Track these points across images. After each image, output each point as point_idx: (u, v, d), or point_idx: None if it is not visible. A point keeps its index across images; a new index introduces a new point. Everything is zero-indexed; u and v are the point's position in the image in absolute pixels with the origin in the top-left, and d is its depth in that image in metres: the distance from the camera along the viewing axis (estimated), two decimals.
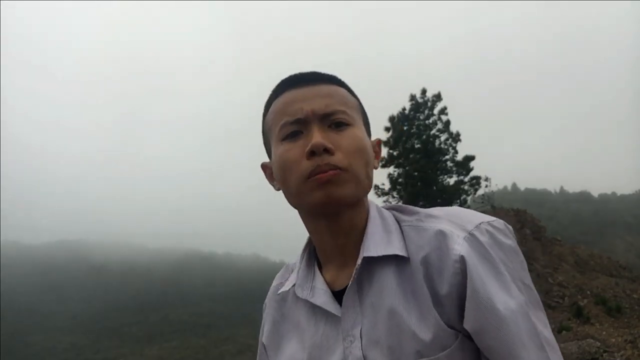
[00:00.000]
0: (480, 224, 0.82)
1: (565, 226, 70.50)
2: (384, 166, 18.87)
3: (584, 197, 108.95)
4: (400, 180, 18.65)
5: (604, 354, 8.97)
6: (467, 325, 0.77)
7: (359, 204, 0.89)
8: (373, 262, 0.85)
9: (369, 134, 0.94)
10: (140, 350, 63.17)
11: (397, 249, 0.84)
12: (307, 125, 0.85)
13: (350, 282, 0.86)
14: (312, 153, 0.82)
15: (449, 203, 18.31)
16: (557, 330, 10.74)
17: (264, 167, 0.98)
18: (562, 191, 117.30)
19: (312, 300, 0.90)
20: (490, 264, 0.79)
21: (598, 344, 9.31)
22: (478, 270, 0.78)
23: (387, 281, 0.84)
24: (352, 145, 0.85)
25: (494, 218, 0.84)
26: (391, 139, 19.01)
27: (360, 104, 0.94)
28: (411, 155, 18.47)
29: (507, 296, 0.76)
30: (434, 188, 18.12)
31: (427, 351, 0.78)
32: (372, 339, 0.82)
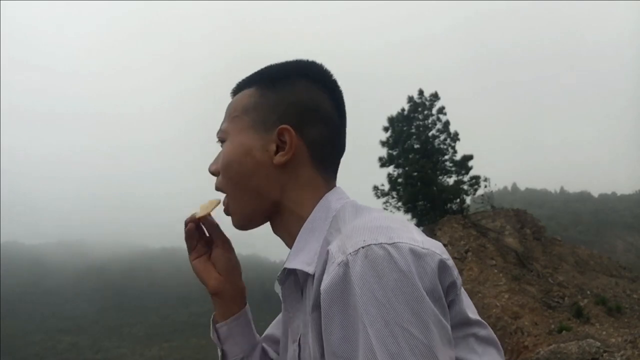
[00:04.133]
0: (363, 247, 0.67)
1: (565, 226, 70.45)
2: (382, 166, 18.92)
3: (584, 197, 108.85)
4: (399, 180, 18.66)
5: (604, 354, 8.97)
6: None
7: (281, 211, 0.86)
8: (300, 273, 0.80)
9: (270, 124, 0.86)
10: (140, 350, 63.21)
11: (300, 262, 0.79)
12: None
13: (276, 283, 0.88)
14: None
15: (448, 203, 18.34)
16: (557, 330, 10.75)
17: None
18: (562, 191, 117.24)
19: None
20: (343, 307, 0.65)
21: (598, 344, 9.31)
22: (328, 314, 0.67)
23: (305, 294, 0.79)
24: (222, 165, 0.88)
25: (395, 239, 0.68)
26: (390, 139, 19.04)
27: (259, 96, 0.88)
28: (410, 156, 18.47)
29: (349, 350, 0.64)
30: (434, 188, 18.12)
31: None
32: (305, 351, 0.78)
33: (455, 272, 0.73)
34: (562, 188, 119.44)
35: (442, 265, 0.69)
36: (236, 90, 0.93)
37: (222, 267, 0.98)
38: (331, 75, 0.91)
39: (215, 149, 0.94)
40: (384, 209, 18.92)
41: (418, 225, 18.52)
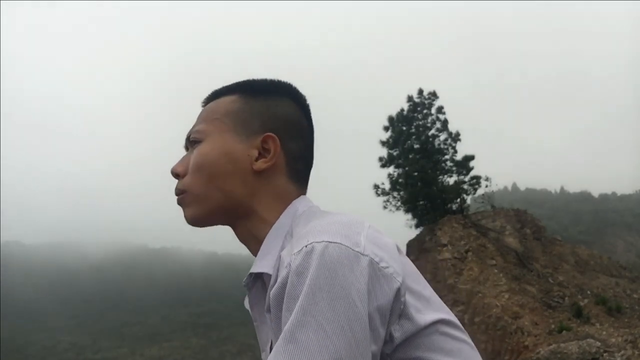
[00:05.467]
0: (305, 246, 0.69)
1: (565, 226, 70.42)
2: (383, 166, 18.92)
3: (584, 197, 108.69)
4: (400, 180, 18.67)
5: (604, 354, 8.99)
6: None
7: (249, 215, 0.86)
8: (267, 277, 0.80)
9: (254, 131, 0.87)
10: (140, 350, 63.26)
11: (266, 266, 0.79)
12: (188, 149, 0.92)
13: (246, 297, 0.87)
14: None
15: (448, 203, 18.35)
16: (558, 330, 10.75)
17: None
18: (562, 191, 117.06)
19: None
20: (283, 305, 0.68)
21: (598, 344, 9.33)
22: (276, 317, 0.70)
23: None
24: (192, 165, 0.86)
25: (336, 239, 0.68)
26: (390, 139, 19.05)
27: (243, 103, 0.89)
28: (411, 156, 18.48)
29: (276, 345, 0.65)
30: (434, 188, 18.13)
31: None
32: None
33: (395, 271, 0.70)
34: (562, 188, 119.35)
35: (373, 271, 0.68)
36: (211, 98, 0.93)
37: None
38: (306, 99, 0.94)
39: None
40: (384, 207, 18.99)
41: (418, 225, 18.55)
